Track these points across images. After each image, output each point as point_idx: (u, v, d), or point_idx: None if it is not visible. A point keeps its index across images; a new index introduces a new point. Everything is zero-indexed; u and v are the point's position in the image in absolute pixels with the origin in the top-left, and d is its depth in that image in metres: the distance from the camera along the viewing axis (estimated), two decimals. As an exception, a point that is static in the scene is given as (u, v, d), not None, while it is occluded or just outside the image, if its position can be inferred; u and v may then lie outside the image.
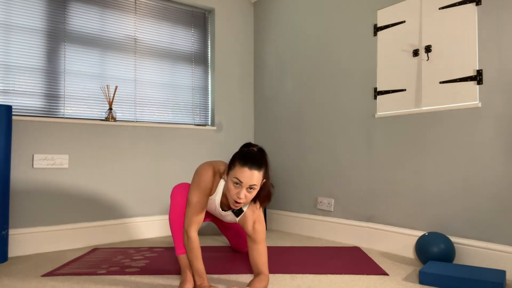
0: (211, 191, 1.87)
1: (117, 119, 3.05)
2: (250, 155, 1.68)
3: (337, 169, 2.96)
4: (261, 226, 1.82)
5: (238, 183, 1.65)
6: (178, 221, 1.85)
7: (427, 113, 2.41)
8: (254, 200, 1.82)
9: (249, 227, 1.82)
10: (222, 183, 1.87)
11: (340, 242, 2.89)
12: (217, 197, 1.88)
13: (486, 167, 2.14)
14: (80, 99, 2.89)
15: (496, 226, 2.09)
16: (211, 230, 3.33)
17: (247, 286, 1.69)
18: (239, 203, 1.68)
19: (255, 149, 1.77)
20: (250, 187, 1.66)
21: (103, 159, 2.90)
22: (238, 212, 1.85)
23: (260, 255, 1.80)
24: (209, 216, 2.24)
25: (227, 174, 1.72)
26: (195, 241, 1.79)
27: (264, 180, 1.75)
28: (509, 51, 2.07)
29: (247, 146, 1.80)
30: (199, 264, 1.77)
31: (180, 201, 1.87)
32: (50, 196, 2.67)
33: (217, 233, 3.26)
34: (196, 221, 1.80)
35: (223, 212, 1.91)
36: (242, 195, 1.65)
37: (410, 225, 2.48)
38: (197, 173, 1.84)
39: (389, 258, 2.41)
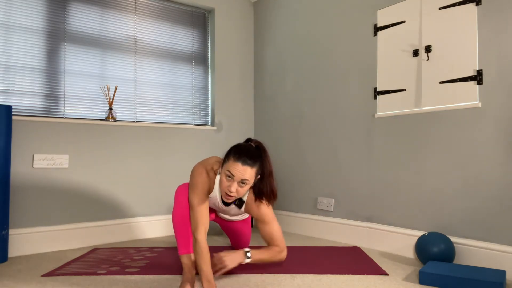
0: (209, 190, 1.88)
1: (117, 119, 3.05)
2: (245, 150, 1.70)
3: (337, 169, 2.96)
4: (266, 208, 1.85)
5: (230, 176, 1.69)
6: (181, 221, 1.85)
7: (427, 113, 2.41)
8: (259, 197, 1.83)
9: (254, 212, 1.85)
10: (219, 178, 1.88)
11: (340, 242, 2.89)
12: (217, 193, 1.89)
13: (486, 167, 2.14)
14: (80, 99, 2.89)
15: (496, 226, 2.09)
16: (211, 230, 3.33)
17: (251, 249, 1.79)
18: (231, 196, 1.71)
19: (253, 144, 1.79)
20: (242, 182, 1.69)
21: (103, 159, 2.90)
22: (240, 203, 1.86)
23: (271, 235, 1.82)
24: (212, 212, 2.23)
25: (222, 166, 1.76)
26: (203, 244, 1.75)
27: (259, 176, 1.77)
28: (509, 51, 2.07)
29: (247, 141, 1.83)
30: (208, 268, 1.73)
31: (183, 201, 1.88)
32: (50, 196, 2.67)
33: (217, 233, 3.26)
34: (202, 223, 1.78)
35: (226, 206, 1.92)
36: (233, 189, 1.68)
37: (410, 225, 2.48)
38: (191, 176, 1.87)
39: (389, 258, 2.41)
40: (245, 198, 1.88)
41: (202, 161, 1.90)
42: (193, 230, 1.79)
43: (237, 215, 2.10)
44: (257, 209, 1.85)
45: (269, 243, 1.86)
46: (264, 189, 1.80)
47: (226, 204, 1.93)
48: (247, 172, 1.68)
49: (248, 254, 1.79)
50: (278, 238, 1.84)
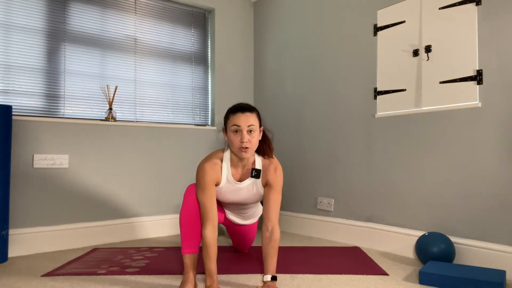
0: (215, 182, 1.88)
1: (117, 119, 3.05)
2: (239, 104, 1.83)
3: (337, 169, 2.96)
4: (280, 174, 1.89)
5: (237, 129, 1.76)
6: (187, 220, 1.85)
7: (427, 113, 2.41)
8: (262, 153, 1.92)
9: (271, 176, 1.87)
10: (226, 156, 1.89)
11: (340, 242, 2.89)
12: (227, 174, 1.89)
13: (486, 167, 2.14)
14: (80, 99, 2.89)
15: (496, 226, 2.09)
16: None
17: (265, 273, 1.79)
18: (246, 148, 1.76)
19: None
20: (250, 130, 1.77)
21: (103, 159, 2.90)
22: (257, 174, 1.88)
23: (274, 206, 1.85)
24: (222, 212, 2.21)
25: (225, 131, 1.84)
26: (208, 240, 1.77)
27: (262, 127, 1.88)
28: (509, 51, 2.07)
29: None
30: (211, 264, 1.76)
31: (191, 200, 1.87)
32: (50, 196, 2.67)
33: (218, 233, 3.25)
34: (208, 218, 1.79)
35: (242, 183, 1.91)
36: (245, 139, 1.75)
37: (410, 225, 2.48)
38: (196, 175, 1.89)
39: (389, 258, 2.41)
40: (259, 166, 1.89)
41: (204, 158, 1.93)
42: (201, 226, 1.82)
43: (252, 203, 2.08)
44: (274, 173, 1.88)
45: (265, 214, 1.85)
46: (271, 144, 1.93)
47: (240, 180, 1.92)
48: (250, 118, 1.77)
49: (274, 276, 1.78)
50: (276, 213, 1.86)
